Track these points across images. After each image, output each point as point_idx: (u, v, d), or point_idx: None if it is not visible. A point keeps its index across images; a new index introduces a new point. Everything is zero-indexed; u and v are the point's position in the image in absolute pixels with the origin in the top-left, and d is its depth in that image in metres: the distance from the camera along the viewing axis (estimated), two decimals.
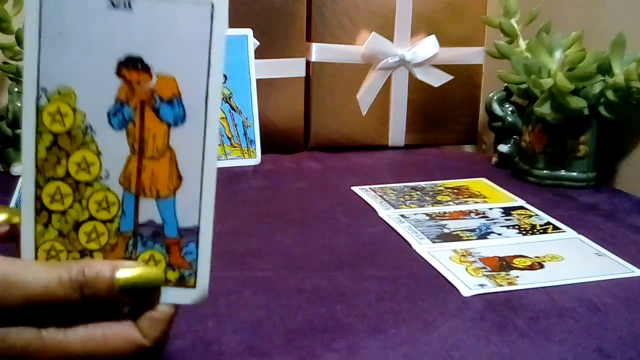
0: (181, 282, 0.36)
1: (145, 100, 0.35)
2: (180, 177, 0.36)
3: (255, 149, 0.89)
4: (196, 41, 0.35)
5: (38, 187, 0.35)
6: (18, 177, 0.80)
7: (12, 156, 0.81)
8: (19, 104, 0.79)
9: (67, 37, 0.34)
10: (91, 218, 0.36)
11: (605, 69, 0.76)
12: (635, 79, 0.72)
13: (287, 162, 0.91)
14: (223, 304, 0.50)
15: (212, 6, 0.34)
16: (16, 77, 0.81)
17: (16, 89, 0.79)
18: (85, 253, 0.36)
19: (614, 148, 0.82)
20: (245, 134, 0.89)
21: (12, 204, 0.71)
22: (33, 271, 0.34)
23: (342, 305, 0.51)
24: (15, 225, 0.37)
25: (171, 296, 0.36)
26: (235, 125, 0.88)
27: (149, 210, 0.36)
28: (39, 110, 0.35)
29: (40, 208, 0.36)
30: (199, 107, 0.35)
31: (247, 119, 0.89)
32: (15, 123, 0.79)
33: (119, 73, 0.35)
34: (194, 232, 0.36)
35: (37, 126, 0.35)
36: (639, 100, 0.74)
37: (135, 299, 0.35)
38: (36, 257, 0.36)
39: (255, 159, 0.89)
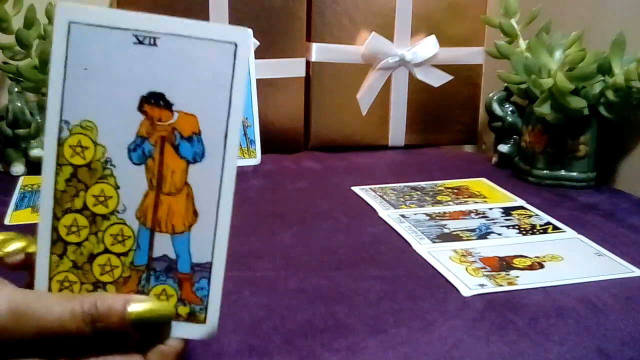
0: (192, 317, 0.37)
1: (165, 136, 0.35)
2: (196, 214, 0.36)
3: (255, 149, 0.89)
4: (218, 79, 0.35)
5: (55, 218, 0.35)
6: (18, 177, 0.80)
7: (12, 156, 0.81)
8: (19, 104, 0.79)
9: (92, 71, 0.34)
10: (106, 251, 0.36)
11: (605, 69, 0.76)
12: (635, 79, 0.72)
13: (287, 162, 0.91)
14: (223, 304, 0.50)
15: (236, 45, 0.35)
16: (16, 77, 0.81)
17: (16, 89, 0.79)
18: (98, 285, 0.36)
19: (614, 148, 0.82)
20: (245, 134, 0.89)
21: (12, 204, 0.71)
22: (46, 303, 0.34)
23: (342, 305, 0.51)
24: (30, 255, 0.37)
25: (181, 331, 0.36)
26: None
27: (163, 245, 0.36)
28: (60, 142, 0.35)
29: (56, 239, 0.36)
30: (218, 144, 0.35)
31: (247, 119, 0.88)
32: (15, 123, 0.79)
33: (141, 109, 0.35)
34: (207, 268, 0.36)
35: (58, 158, 0.35)
36: (639, 100, 0.74)
37: (146, 333, 0.35)
38: (50, 288, 0.36)
39: (255, 159, 0.89)
